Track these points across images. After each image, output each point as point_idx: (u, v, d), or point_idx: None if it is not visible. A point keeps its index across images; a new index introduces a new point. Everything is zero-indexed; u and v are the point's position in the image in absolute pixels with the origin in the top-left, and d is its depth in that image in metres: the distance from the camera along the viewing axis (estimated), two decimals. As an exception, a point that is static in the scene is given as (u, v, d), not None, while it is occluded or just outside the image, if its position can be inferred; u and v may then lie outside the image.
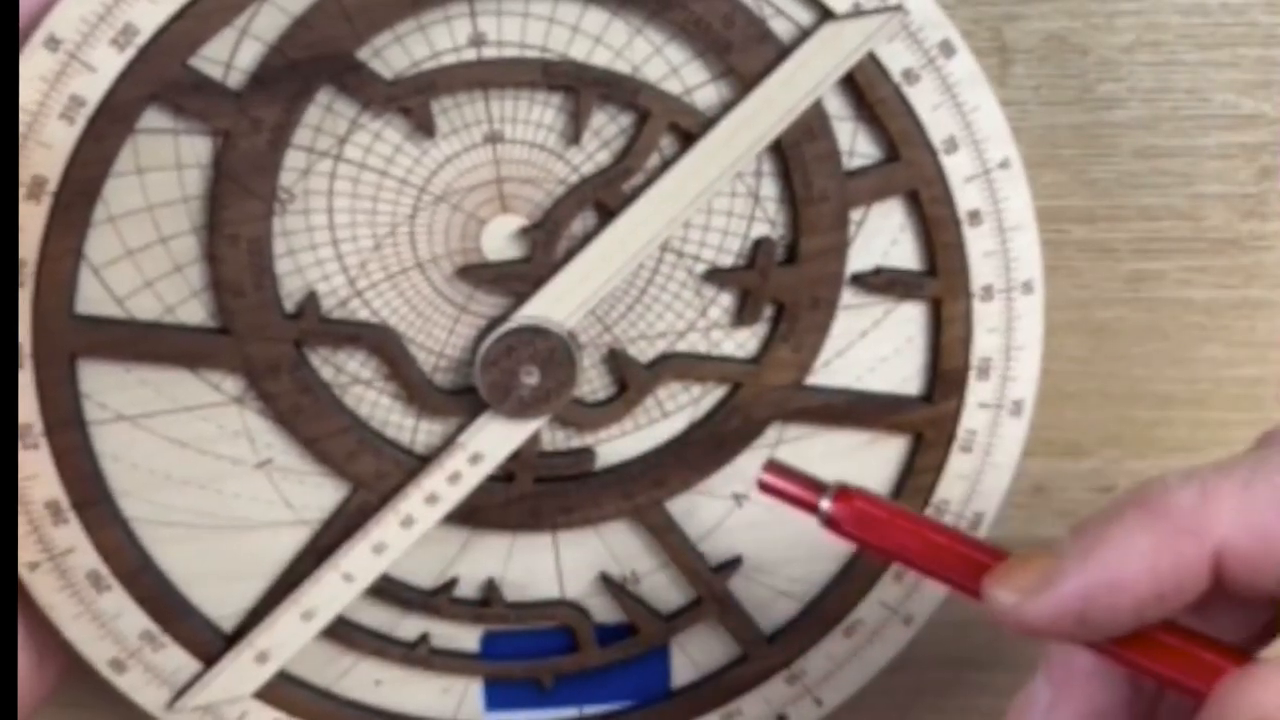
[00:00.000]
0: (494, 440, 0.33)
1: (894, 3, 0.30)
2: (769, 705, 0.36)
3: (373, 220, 0.31)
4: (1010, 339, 0.33)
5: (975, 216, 0.32)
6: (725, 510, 0.35)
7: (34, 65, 0.28)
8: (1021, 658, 0.31)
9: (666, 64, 0.30)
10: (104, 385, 0.31)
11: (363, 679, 0.35)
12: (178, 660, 0.34)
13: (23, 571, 0.32)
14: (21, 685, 0.33)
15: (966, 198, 0.32)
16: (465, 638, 0.35)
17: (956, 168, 0.31)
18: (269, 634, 0.33)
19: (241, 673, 0.34)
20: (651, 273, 0.32)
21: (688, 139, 0.31)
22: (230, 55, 0.29)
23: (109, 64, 0.29)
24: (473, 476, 0.33)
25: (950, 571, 0.26)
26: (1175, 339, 0.36)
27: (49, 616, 0.32)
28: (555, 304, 0.32)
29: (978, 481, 0.34)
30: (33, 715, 0.34)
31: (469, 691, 0.36)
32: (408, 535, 0.33)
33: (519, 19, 0.30)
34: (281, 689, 0.34)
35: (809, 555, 0.35)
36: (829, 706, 0.36)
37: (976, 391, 0.33)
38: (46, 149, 0.29)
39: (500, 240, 0.32)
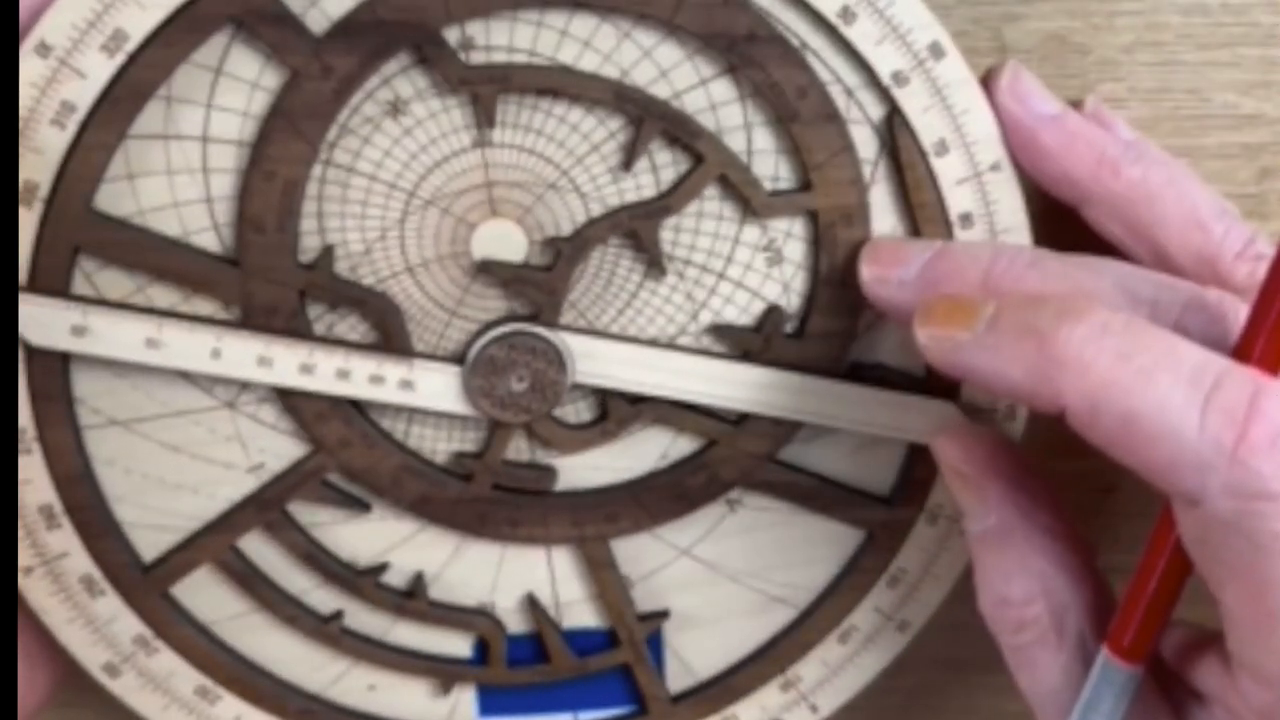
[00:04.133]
0: (433, 389, 0.32)
1: None
2: (764, 711, 0.36)
3: (362, 225, 0.31)
4: None
5: (966, 219, 0.31)
6: (719, 514, 0.34)
7: (25, 71, 0.29)
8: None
9: (658, 68, 0.30)
10: (97, 390, 0.32)
11: (356, 684, 0.35)
12: (171, 665, 0.34)
13: (16, 576, 0.32)
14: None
15: (957, 200, 0.31)
16: (457, 643, 0.35)
17: (947, 170, 0.31)
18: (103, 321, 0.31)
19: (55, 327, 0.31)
20: (643, 276, 0.32)
21: (729, 188, 0.31)
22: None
23: (99, 70, 0.29)
24: (384, 393, 0.32)
25: None
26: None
27: (43, 621, 0.33)
28: (591, 357, 0.32)
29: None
30: (28, 720, 0.34)
31: (463, 697, 0.36)
32: (304, 380, 0.31)
33: (507, 24, 0.30)
34: (274, 694, 0.35)
35: (803, 560, 0.35)
36: (824, 713, 0.36)
37: (971, 393, 0.33)
38: (38, 154, 0.29)
39: (490, 244, 0.31)
